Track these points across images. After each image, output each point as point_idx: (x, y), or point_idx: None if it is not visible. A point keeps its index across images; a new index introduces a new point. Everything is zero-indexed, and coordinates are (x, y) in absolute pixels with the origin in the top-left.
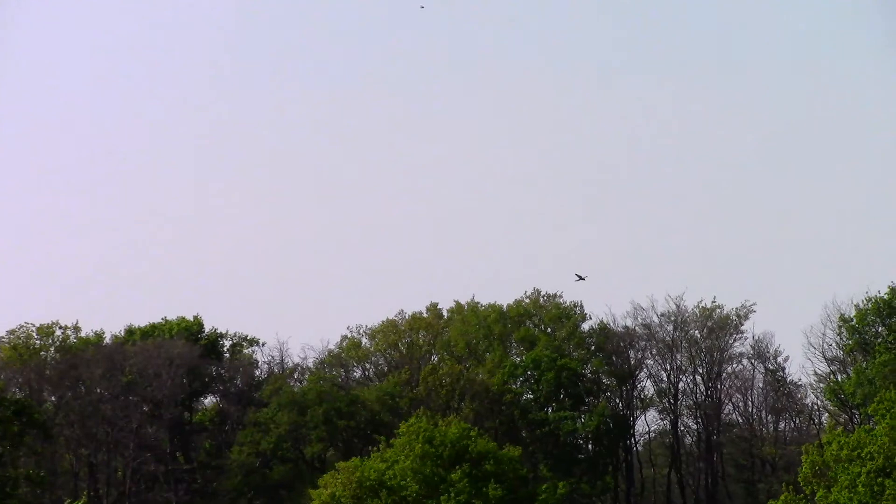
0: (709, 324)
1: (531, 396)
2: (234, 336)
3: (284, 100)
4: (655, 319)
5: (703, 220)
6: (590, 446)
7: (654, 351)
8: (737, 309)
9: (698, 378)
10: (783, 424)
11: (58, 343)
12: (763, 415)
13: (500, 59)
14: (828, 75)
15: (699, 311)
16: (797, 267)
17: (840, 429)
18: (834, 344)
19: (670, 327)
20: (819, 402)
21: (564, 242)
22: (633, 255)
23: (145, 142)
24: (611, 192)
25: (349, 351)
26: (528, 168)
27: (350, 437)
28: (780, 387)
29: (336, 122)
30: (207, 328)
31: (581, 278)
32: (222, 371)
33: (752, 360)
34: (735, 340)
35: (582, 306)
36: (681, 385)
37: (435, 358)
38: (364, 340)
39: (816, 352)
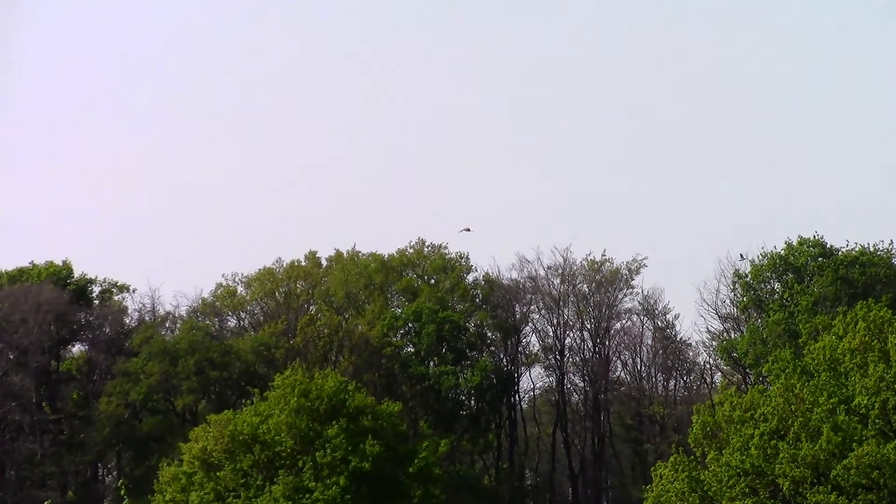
0: (598, 277)
1: (412, 350)
2: (104, 282)
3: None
4: (542, 273)
5: (593, 170)
6: (472, 402)
7: (541, 305)
8: (628, 263)
9: (586, 334)
10: (673, 383)
11: None
12: (652, 373)
13: None
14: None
15: (588, 265)
16: (690, 220)
17: (733, 388)
18: (728, 301)
19: (557, 280)
20: (711, 361)
21: (450, 193)
22: (520, 207)
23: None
24: (496, 141)
25: (223, 299)
26: (412, 116)
27: (223, 388)
28: (669, 344)
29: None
30: (77, 273)
31: (467, 230)
32: (91, 318)
33: (642, 317)
34: (625, 296)
35: (467, 258)
36: (567, 341)
37: (313, 308)
38: (240, 289)
39: (709, 308)
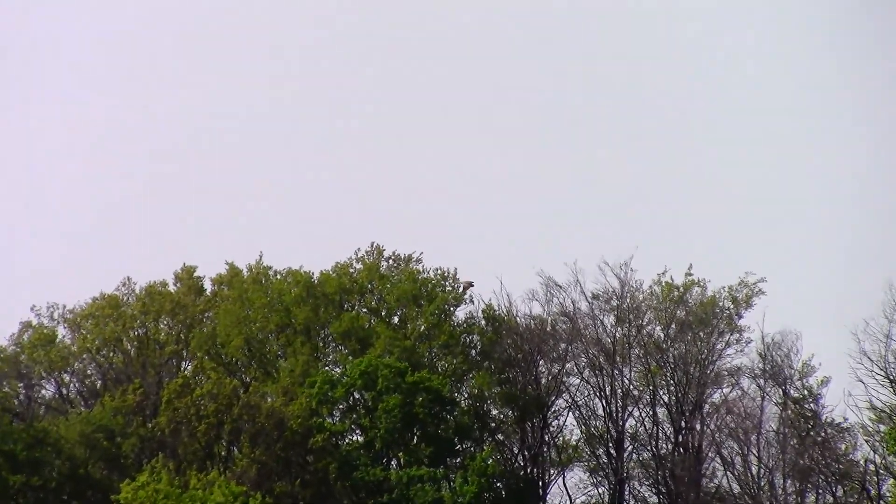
0: (681, 313)
1: (359, 439)
2: None
3: None
4: (584, 305)
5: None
6: None
7: (583, 361)
8: (731, 288)
9: (661, 412)
10: (815, 498)
11: None
12: (779, 479)
13: None
14: None
15: (662, 291)
16: (833, 222)
17: None
18: None
19: (610, 319)
20: (880, 459)
21: (426, 176)
22: (542, 193)
23: None
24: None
25: (34, 350)
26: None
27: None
28: (809, 430)
29: None
30: None
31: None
32: None
33: (761, 381)
34: (729, 344)
35: (455, 278)
36: (630, 424)
37: (188, 365)
38: (61, 331)
39: (875, 367)
